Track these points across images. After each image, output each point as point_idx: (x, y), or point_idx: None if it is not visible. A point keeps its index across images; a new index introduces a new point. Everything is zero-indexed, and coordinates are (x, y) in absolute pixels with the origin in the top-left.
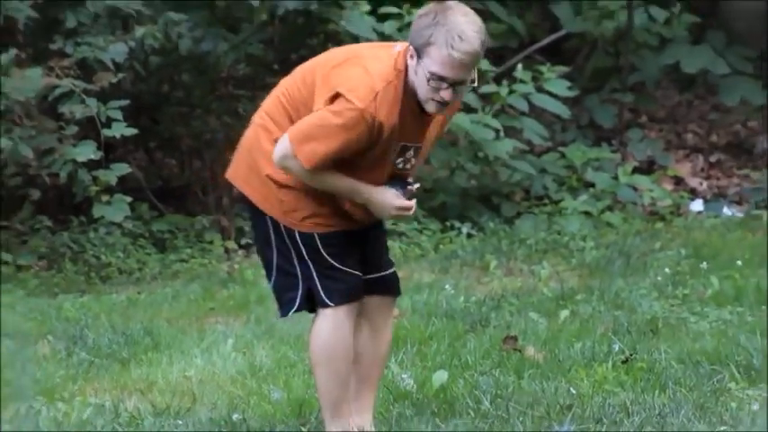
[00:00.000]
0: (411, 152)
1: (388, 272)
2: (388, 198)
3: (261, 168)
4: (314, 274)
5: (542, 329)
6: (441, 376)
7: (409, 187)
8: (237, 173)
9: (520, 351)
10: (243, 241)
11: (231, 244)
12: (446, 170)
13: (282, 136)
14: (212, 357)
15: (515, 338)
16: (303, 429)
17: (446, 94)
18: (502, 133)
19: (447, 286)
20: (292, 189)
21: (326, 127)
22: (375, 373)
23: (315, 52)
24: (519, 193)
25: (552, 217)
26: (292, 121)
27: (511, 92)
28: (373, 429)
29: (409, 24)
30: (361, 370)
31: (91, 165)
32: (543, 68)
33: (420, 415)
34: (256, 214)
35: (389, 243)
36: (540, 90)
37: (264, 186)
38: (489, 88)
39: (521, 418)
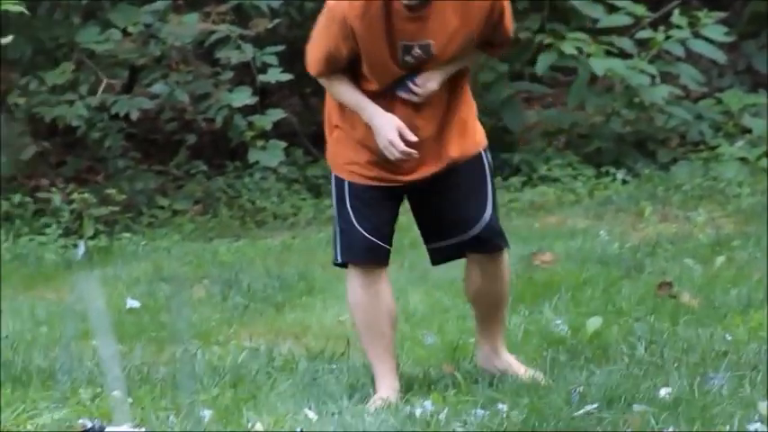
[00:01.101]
0: (418, 50)
1: (474, 231)
2: (387, 127)
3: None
4: (338, 226)
5: (697, 276)
6: (595, 322)
7: (415, 81)
8: None
9: (675, 297)
10: None
11: None
12: (601, 116)
13: None
14: None
15: (670, 284)
16: (457, 373)
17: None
18: (658, 79)
19: (601, 232)
20: (337, 128)
21: (316, 30)
22: (495, 311)
23: None
24: (675, 138)
25: (708, 163)
26: None
27: (667, 37)
28: (509, 357)
29: None
30: (481, 309)
31: (246, 110)
32: (700, 14)
33: (574, 360)
34: None
35: (544, 189)
36: (696, 35)
37: (327, 126)
38: (645, 34)
39: (676, 365)
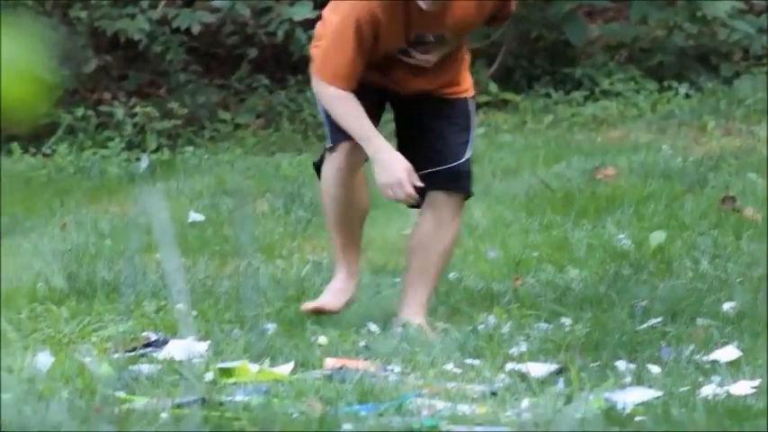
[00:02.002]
0: (430, 38)
1: (447, 165)
2: (397, 166)
3: None
4: (326, 115)
5: (761, 190)
6: (658, 236)
7: (414, 53)
8: None
9: (738, 211)
10: None
11: None
12: (663, 29)
13: None
14: None
15: (734, 199)
16: (519, 286)
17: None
18: None
19: (664, 146)
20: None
21: (335, 37)
22: (433, 269)
23: None
24: (737, 52)
25: None
26: None
27: None
28: (422, 323)
29: None
30: (420, 261)
31: (307, 24)
32: None
33: (638, 275)
34: None
35: (606, 103)
36: None
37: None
38: None
39: (739, 279)
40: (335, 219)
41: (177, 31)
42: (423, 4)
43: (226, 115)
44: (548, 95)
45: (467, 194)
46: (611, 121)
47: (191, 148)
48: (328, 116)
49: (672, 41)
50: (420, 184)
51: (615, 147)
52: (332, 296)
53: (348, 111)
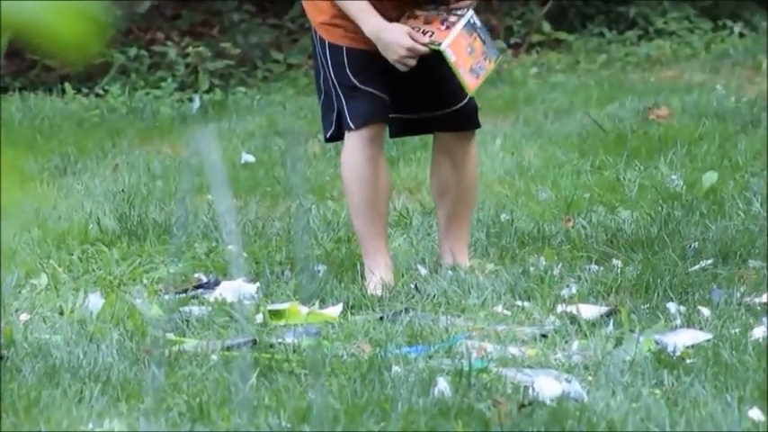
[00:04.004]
0: None
1: (457, 106)
2: (401, 40)
3: None
4: (340, 94)
5: None
6: (710, 177)
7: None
8: None
9: None
10: (512, 40)
11: (500, 43)
12: None
13: None
14: (480, 158)
15: None
16: (570, 227)
17: None
18: None
19: (718, 86)
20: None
21: None
22: (463, 208)
23: None
24: None
25: None
26: None
27: None
28: (468, 263)
29: None
30: (447, 205)
31: None
32: None
33: (689, 216)
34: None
35: (660, 42)
36: None
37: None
38: None
39: None
40: (366, 204)
41: None
42: None
43: (278, 55)
44: (601, 35)
45: (475, 128)
46: (664, 60)
47: (243, 89)
48: (342, 98)
49: None
50: (425, 40)
51: (668, 87)
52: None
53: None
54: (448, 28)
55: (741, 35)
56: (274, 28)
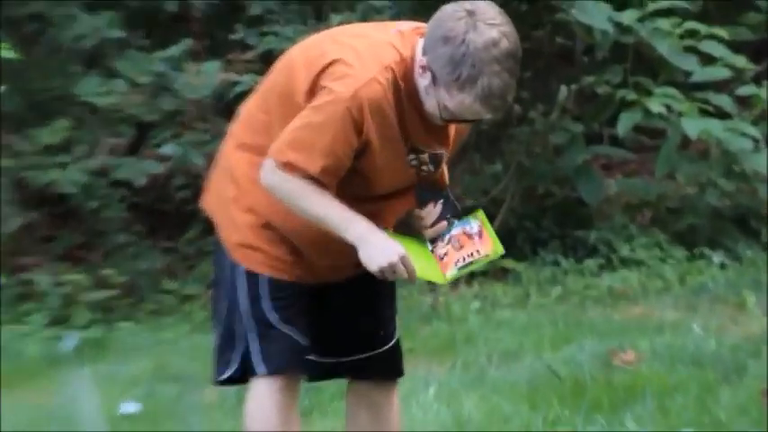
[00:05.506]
0: (426, 157)
1: (384, 348)
2: (390, 250)
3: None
4: (252, 331)
5: None
6: None
7: (434, 205)
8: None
9: None
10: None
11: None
12: (694, 186)
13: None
14: (411, 408)
15: None
16: None
17: (461, 126)
18: (762, 143)
19: (695, 326)
20: (254, 214)
21: (315, 123)
22: None
23: (541, 44)
24: None
25: None
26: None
27: None
28: None
29: (652, 15)
30: None
31: None
32: None
33: None
34: (218, 244)
35: (626, 273)
36: None
37: (234, 204)
38: (747, 90)
39: None
40: None
41: (118, 183)
42: (435, 121)
43: (172, 284)
44: (556, 263)
45: (400, 377)
46: (631, 295)
47: (128, 324)
48: (253, 336)
49: (704, 201)
50: (414, 267)
51: (636, 326)
52: None
53: (324, 199)
54: (479, 236)
55: (722, 266)
56: (167, 252)
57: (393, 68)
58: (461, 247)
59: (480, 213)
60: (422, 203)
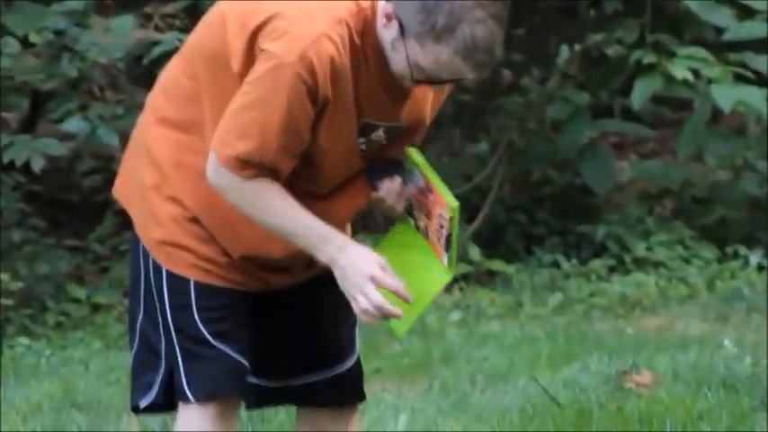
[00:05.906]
0: (380, 133)
1: (342, 369)
2: (368, 261)
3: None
4: (178, 348)
5: None
6: None
7: (391, 181)
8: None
9: None
10: None
11: None
12: (727, 171)
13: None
14: None
15: None
16: None
17: (434, 89)
18: None
19: (726, 342)
20: (180, 205)
21: (257, 97)
22: None
23: None
24: None
25: None
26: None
27: None
28: None
29: None
30: None
31: None
32: None
33: None
34: (134, 242)
35: (641, 277)
36: None
37: (153, 190)
38: None
39: None
40: None
41: (11, 167)
42: (405, 83)
43: (80, 292)
44: (555, 265)
45: (363, 400)
46: (647, 303)
47: (26, 341)
48: (179, 355)
49: (740, 188)
50: (392, 283)
51: (653, 342)
52: None
53: (285, 205)
54: (429, 191)
55: (759, 268)
56: (74, 252)
57: (348, 22)
58: (429, 212)
59: (412, 152)
60: (375, 184)
